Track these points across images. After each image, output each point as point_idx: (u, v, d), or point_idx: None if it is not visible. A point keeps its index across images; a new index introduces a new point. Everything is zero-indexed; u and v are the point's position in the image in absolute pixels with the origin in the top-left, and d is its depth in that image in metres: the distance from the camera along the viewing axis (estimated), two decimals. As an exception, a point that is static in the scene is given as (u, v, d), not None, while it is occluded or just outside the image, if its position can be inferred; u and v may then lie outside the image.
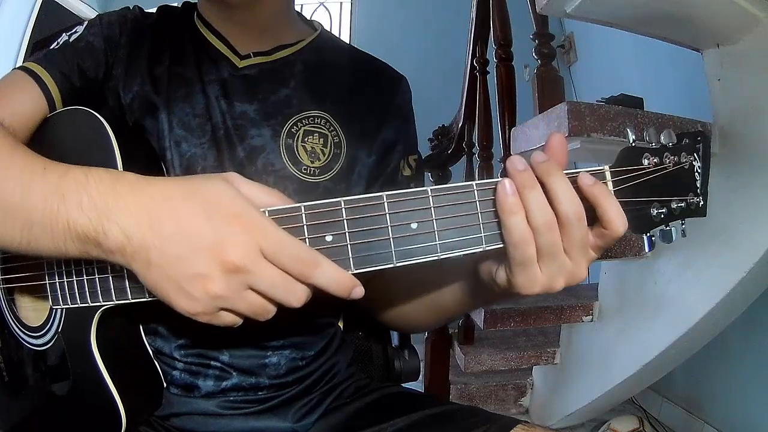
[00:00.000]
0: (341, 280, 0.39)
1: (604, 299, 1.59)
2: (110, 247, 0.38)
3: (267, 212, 0.40)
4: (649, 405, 1.92)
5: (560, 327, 1.73)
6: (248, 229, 0.37)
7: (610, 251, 1.37)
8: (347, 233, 0.40)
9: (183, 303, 0.38)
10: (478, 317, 1.58)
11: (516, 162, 0.40)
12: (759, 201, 1.09)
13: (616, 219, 0.40)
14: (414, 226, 0.40)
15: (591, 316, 1.60)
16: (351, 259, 0.40)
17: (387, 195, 0.41)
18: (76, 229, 0.39)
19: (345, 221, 0.40)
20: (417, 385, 1.20)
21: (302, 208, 0.40)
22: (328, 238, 0.40)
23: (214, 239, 0.37)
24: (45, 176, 0.40)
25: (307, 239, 0.40)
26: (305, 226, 0.40)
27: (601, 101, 1.34)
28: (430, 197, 0.41)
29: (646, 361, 1.39)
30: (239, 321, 0.40)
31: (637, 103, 1.36)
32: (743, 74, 1.14)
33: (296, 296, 0.39)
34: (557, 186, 0.40)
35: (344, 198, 0.40)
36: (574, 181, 0.40)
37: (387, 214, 0.40)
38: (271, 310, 0.40)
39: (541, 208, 0.39)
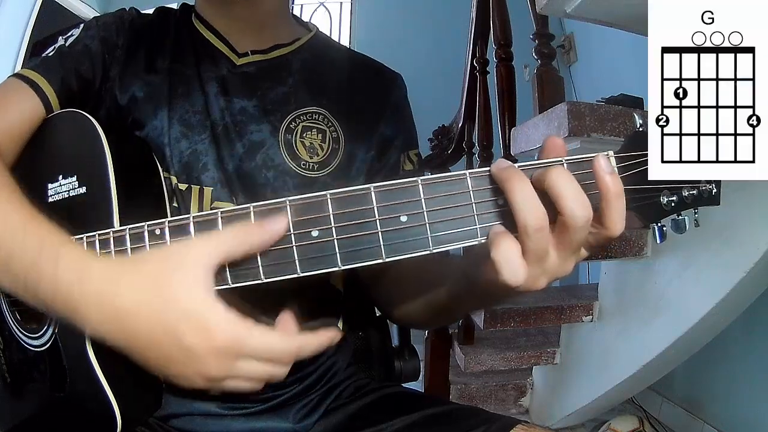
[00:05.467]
0: (324, 345, 0.43)
1: (604, 299, 1.59)
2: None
3: (252, 209, 0.40)
4: (649, 405, 1.92)
5: (560, 327, 1.73)
6: (221, 347, 0.39)
7: (610, 251, 1.37)
8: (334, 228, 0.38)
9: (181, 382, 0.42)
10: (478, 317, 1.58)
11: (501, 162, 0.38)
12: (759, 201, 1.09)
13: (619, 220, 0.37)
14: (404, 219, 0.38)
15: (591, 316, 1.59)
16: (338, 254, 0.39)
17: (374, 186, 0.38)
18: (56, 312, 0.41)
19: (331, 215, 0.39)
20: (417, 385, 1.20)
21: (287, 201, 0.39)
22: (314, 234, 0.39)
23: (188, 360, 0.39)
24: (24, 245, 0.42)
25: (292, 235, 0.39)
26: (290, 222, 0.39)
27: (601, 101, 1.34)
28: (421, 188, 0.38)
29: (646, 361, 1.39)
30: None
31: (637, 103, 1.35)
32: (743, 74, 1.14)
33: (280, 373, 0.43)
34: (562, 181, 0.36)
35: (330, 191, 0.39)
36: (581, 166, 0.37)
37: (375, 207, 0.38)
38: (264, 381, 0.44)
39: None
